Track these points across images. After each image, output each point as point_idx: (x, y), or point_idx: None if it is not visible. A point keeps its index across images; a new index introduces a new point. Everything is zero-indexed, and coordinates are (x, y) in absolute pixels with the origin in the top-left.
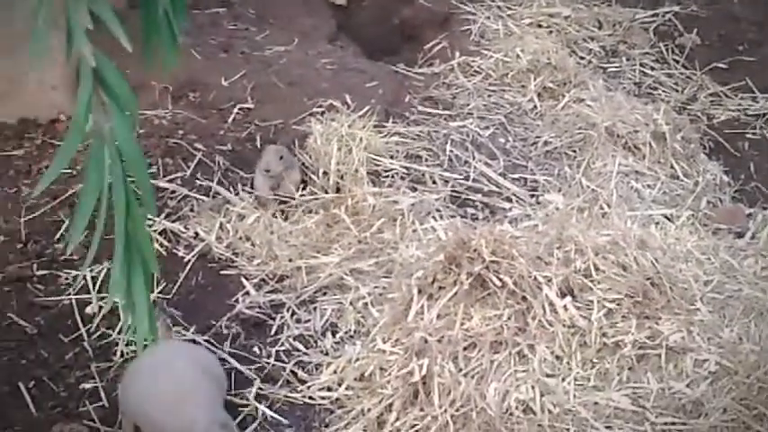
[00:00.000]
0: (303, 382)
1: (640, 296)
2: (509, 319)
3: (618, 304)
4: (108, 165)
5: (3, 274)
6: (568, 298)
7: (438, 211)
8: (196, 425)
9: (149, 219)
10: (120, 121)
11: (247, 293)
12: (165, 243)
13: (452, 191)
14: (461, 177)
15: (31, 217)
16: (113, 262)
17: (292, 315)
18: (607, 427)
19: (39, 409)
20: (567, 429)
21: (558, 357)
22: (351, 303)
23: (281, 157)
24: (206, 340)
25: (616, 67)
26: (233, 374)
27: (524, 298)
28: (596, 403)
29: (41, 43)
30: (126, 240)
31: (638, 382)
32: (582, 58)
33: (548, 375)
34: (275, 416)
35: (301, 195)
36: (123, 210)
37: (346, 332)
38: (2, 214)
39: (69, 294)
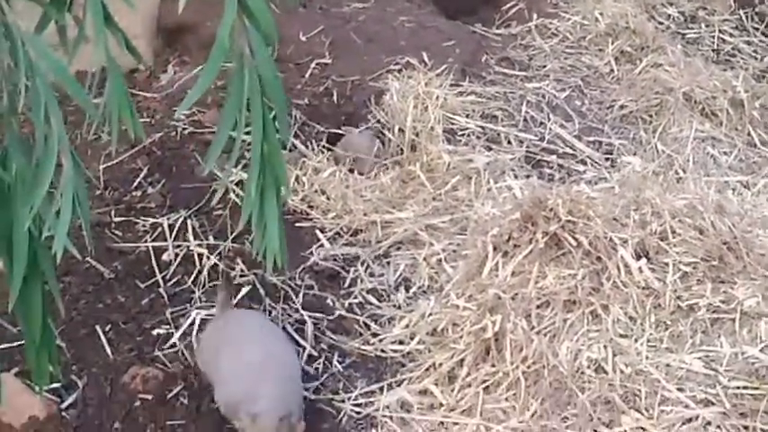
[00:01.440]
0: (375, 335)
1: (716, 260)
2: (583, 278)
3: (693, 267)
4: (247, 87)
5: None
6: (644, 260)
7: (513, 170)
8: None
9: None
10: (260, 46)
11: (322, 246)
12: (242, 194)
13: (527, 151)
14: (536, 138)
15: (109, 164)
16: (247, 182)
17: (366, 269)
18: (679, 389)
19: (115, 352)
20: (639, 390)
21: (631, 318)
22: (425, 259)
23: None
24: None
25: (695, 33)
26: (306, 326)
27: (599, 258)
28: (668, 365)
29: None
30: (261, 162)
31: (711, 346)
32: (660, 23)
33: (620, 336)
34: (347, 367)
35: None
36: (260, 132)
37: (419, 287)
38: (82, 161)
39: (146, 241)
